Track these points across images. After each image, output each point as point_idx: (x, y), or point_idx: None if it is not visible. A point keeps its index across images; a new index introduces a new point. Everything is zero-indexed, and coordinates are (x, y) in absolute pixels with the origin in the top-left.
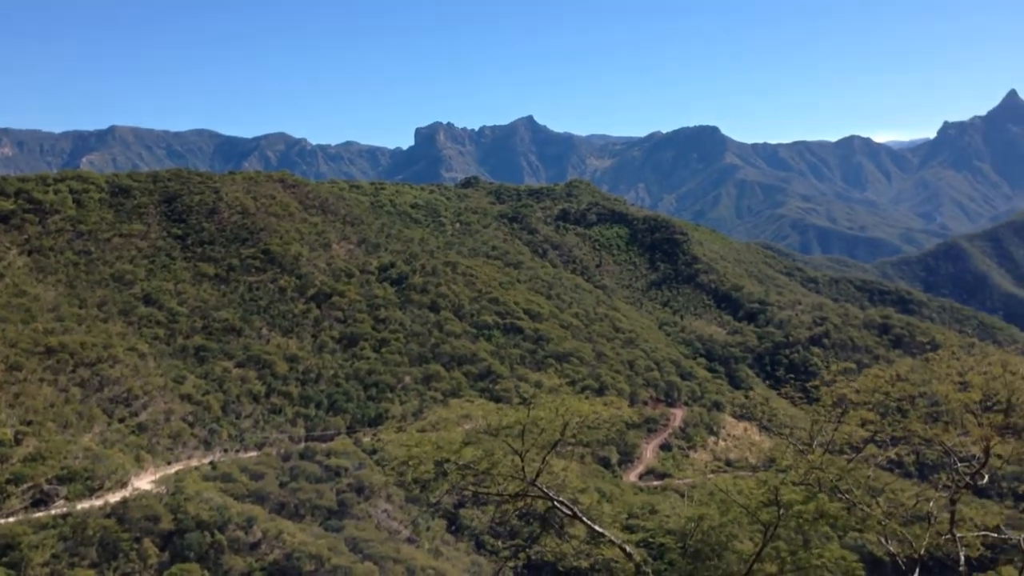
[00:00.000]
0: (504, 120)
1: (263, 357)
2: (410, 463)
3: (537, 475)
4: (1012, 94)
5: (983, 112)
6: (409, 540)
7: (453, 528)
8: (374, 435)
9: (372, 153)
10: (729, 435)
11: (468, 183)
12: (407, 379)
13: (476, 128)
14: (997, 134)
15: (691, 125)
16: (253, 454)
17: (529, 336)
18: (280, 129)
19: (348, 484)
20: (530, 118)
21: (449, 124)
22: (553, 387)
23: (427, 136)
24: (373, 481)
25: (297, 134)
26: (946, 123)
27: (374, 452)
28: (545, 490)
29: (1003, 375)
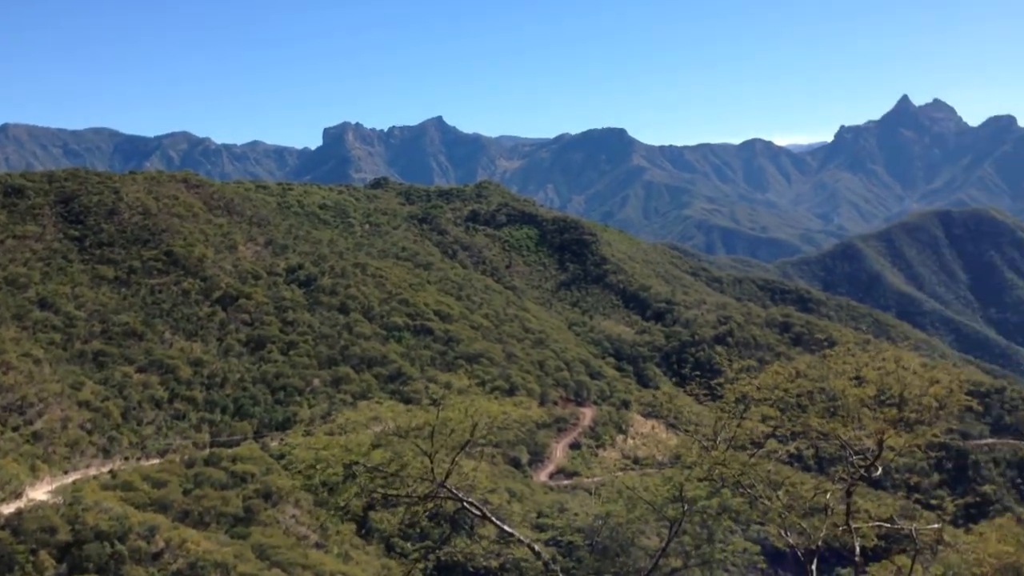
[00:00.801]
0: (413, 120)
1: (166, 362)
2: (317, 466)
3: (447, 476)
4: (904, 99)
5: (877, 116)
6: (317, 545)
7: (362, 532)
8: (282, 439)
9: (279, 153)
10: (637, 433)
11: (377, 184)
12: (316, 382)
13: (385, 128)
14: (890, 138)
15: (599, 127)
16: (155, 461)
17: (439, 337)
18: (183, 128)
19: (255, 490)
20: (439, 119)
21: (358, 124)
22: (462, 388)
23: (335, 136)
24: (280, 486)
25: (201, 133)
26: (843, 127)
27: (282, 457)
28: (455, 491)
29: (896, 370)
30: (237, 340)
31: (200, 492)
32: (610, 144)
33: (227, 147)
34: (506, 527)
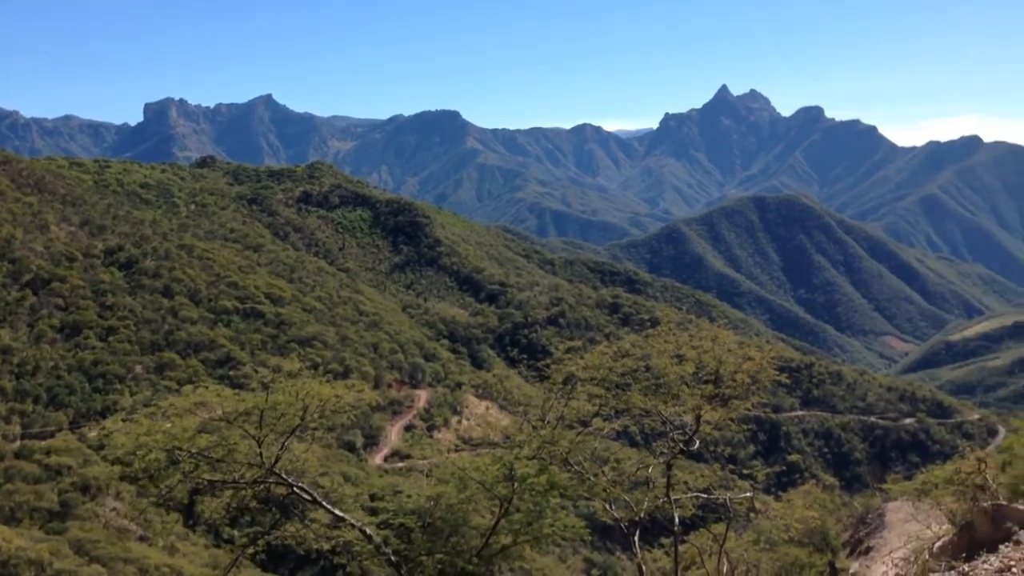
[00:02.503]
0: (241, 98)
1: None
2: (138, 453)
3: (276, 461)
4: (724, 89)
5: (699, 105)
6: (141, 538)
7: (189, 522)
8: (101, 429)
9: (95, 129)
10: (472, 414)
11: (203, 163)
12: (138, 368)
13: (211, 105)
14: (711, 126)
15: (433, 109)
16: None
17: (271, 320)
18: None
19: (72, 483)
20: (269, 96)
21: (182, 100)
22: (292, 371)
23: (157, 112)
24: (99, 478)
25: (8, 106)
26: (667, 114)
27: (101, 447)
28: (284, 476)
29: (712, 348)
30: (50, 326)
31: (11, 487)
32: (444, 126)
33: (37, 121)
34: (336, 511)
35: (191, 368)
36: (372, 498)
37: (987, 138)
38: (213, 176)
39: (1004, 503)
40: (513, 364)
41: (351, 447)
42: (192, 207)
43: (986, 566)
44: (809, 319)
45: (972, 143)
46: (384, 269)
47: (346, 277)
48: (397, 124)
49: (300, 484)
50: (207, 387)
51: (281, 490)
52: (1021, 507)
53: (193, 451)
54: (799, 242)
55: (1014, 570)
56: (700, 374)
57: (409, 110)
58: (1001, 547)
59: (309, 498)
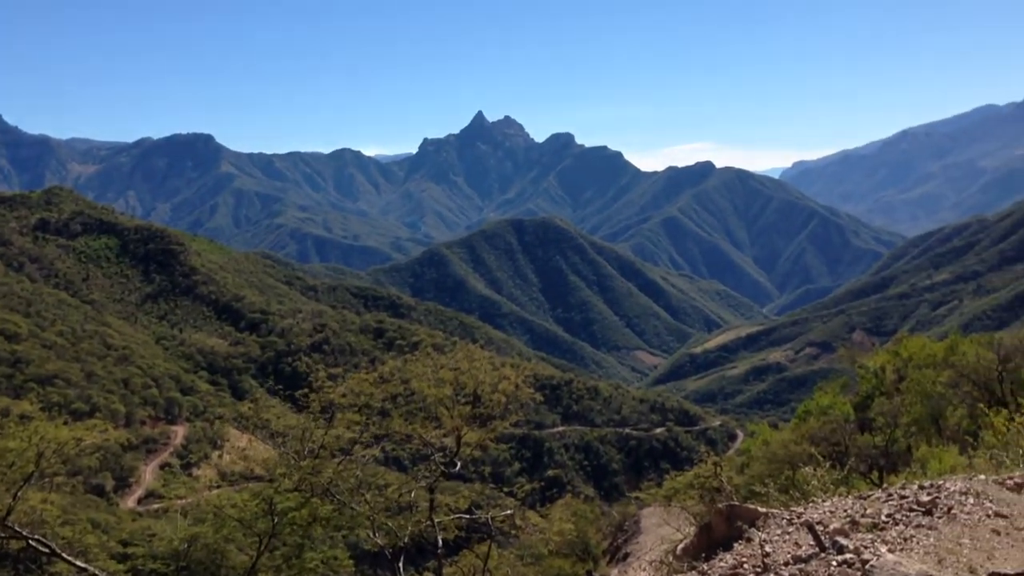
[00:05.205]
0: None
1: None
2: None
3: (8, 513)
4: (479, 115)
5: (456, 131)
6: None
7: None
8: None
9: None
10: (233, 448)
11: None
12: None
13: None
14: (469, 151)
15: (184, 132)
16: None
17: (4, 359)
18: None
19: None
20: None
21: None
22: (24, 414)
23: None
24: None
25: None
26: (426, 139)
27: None
28: (17, 529)
29: (469, 369)
30: None
31: None
32: (197, 150)
33: None
34: (79, 562)
35: None
36: (124, 544)
37: (719, 164)
38: None
39: (737, 503)
40: (274, 394)
41: (100, 491)
42: None
43: (721, 564)
44: (567, 337)
45: (706, 168)
46: (135, 300)
47: (92, 309)
48: (145, 147)
49: (36, 536)
50: None
51: (17, 544)
52: (752, 506)
53: None
54: (555, 263)
55: (745, 566)
56: (459, 396)
57: (158, 132)
58: (735, 545)
59: (47, 550)
